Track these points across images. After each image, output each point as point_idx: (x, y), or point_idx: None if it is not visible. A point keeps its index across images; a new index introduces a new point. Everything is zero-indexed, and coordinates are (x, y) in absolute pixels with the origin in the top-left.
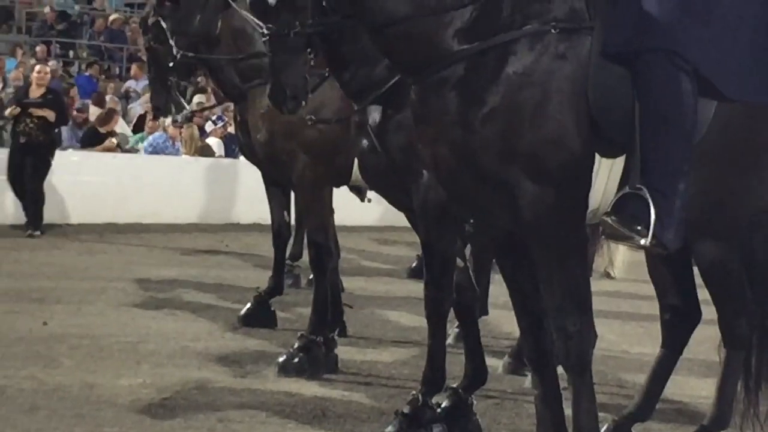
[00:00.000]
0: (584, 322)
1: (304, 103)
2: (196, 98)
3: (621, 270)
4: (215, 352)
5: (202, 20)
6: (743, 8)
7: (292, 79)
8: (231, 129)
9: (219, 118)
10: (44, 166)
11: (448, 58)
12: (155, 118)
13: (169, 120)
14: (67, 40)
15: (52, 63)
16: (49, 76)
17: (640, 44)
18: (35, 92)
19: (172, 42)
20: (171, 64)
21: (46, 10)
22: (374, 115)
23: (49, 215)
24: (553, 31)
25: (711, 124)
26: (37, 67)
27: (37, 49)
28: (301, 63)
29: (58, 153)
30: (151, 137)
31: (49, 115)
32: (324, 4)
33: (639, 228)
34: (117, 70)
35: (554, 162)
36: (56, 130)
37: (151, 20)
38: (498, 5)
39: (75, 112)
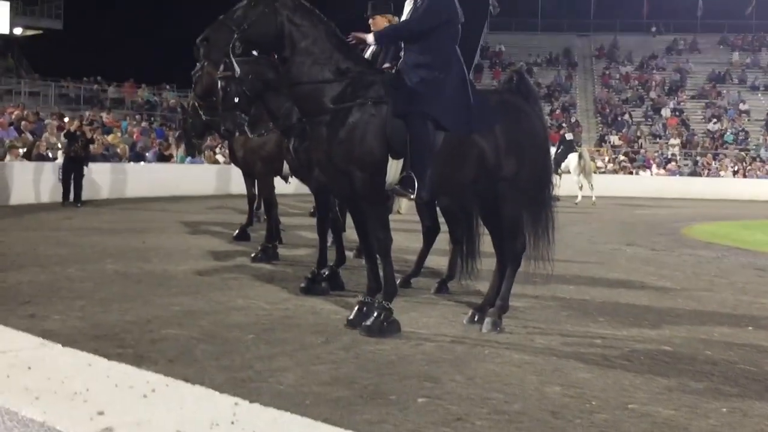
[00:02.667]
0: (386, 234)
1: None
2: None
3: (405, 209)
4: None
5: None
6: (457, 80)
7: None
8: None
9: None
10: None
11: (324, 111)
12: None
13: None
14: None
15: None
16: None
17: (409, 109)
18: None
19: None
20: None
21: None
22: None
23: None
24: (369, 102)
25: (442, 143)
26: None
27: None
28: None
29: None
30: None
31: None
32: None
33: (410, 190)
34: None
35: (370, 162)
36: None
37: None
38: (347, 88)
39: None
